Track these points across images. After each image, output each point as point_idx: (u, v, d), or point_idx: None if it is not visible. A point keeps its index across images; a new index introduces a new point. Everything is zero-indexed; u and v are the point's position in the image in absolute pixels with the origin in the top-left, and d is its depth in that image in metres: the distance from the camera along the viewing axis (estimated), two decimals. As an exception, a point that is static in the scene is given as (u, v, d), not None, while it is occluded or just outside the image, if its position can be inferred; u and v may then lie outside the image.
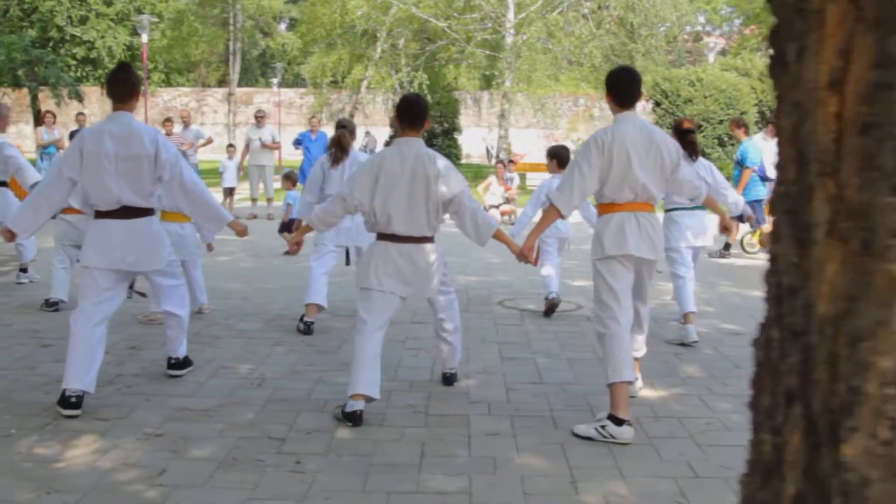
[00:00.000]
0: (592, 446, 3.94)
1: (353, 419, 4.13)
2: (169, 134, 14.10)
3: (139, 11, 30.11)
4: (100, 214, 4.45)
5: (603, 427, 4.04)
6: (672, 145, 4.33)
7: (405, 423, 4.21)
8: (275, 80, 46.52)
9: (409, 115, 4.46)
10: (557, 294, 6.82)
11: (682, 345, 5.93)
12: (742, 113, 19.61)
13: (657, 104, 20.23)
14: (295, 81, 39.77)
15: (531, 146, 32.61)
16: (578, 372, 5.22)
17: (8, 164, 7.47)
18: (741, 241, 11.08)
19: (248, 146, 14.31)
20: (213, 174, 15.76)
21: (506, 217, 14.23)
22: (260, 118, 14.42)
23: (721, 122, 19.43)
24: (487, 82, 39.41)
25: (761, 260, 10.64)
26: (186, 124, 14.77)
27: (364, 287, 4.35)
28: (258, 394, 4.63)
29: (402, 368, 5.20)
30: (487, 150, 45.16)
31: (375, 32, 27.87)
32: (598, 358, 5.47)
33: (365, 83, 29.10)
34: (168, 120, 14.43)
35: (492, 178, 14.92)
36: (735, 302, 7.64)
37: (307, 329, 6.10)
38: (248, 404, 4.44)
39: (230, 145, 15.45)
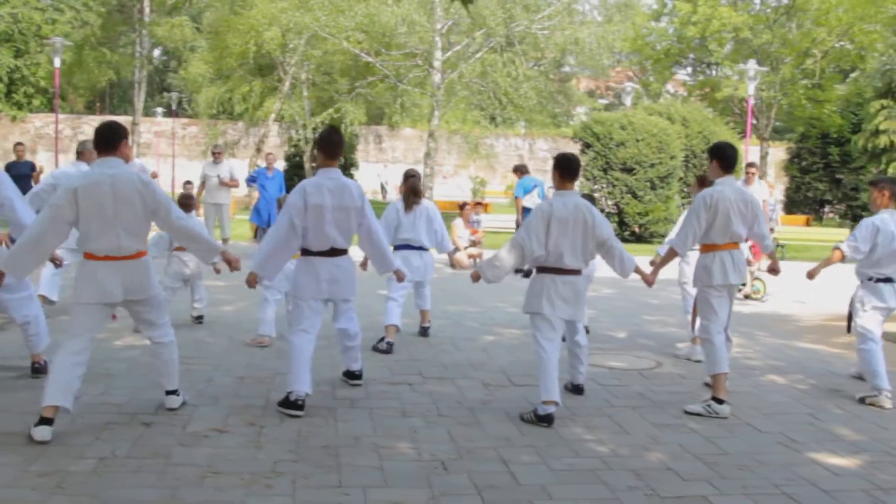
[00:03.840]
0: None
1: (549, 420, 5.04)
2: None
3: (22, 34, 28.15)
4: (307, 252, 5.20)
5: (709, 406, 5.42)
6: (758, 202, 5.78)
7: (652, 510, 3.85)
8: (158, 110, 44.51)
9: (570, 169, 5.34)
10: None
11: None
12: (672, 157, 20.24)
13: (587, 146, 20.50)
14: (192, 111, 38.17)
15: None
16: (746, 438, 4.99)
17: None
18: None
19: (203, 183, 13.40)
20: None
21: (471, 260, 13.91)
22: (217, 154, 13.55)
23: (652, 165, 19.90)
24: (385, 118, 39.19)
25: (758, 306, 10.84)
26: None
27: (537, 312, 5.19)
28: (455, 481, 4.11)
29: (579, 442, 4.81)
30: (382, 186, 44.89)
31: (284, 65, 27.16)
32: (743, 422, 5.32)
33: (272, 116, 28.19)
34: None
35: (458, 221, 14.51)
36: (795, 356, 7.61)
37: (388, 348, 6.93)
38: (460, 495, 3.93)
39: (187, 182, 14.46)
